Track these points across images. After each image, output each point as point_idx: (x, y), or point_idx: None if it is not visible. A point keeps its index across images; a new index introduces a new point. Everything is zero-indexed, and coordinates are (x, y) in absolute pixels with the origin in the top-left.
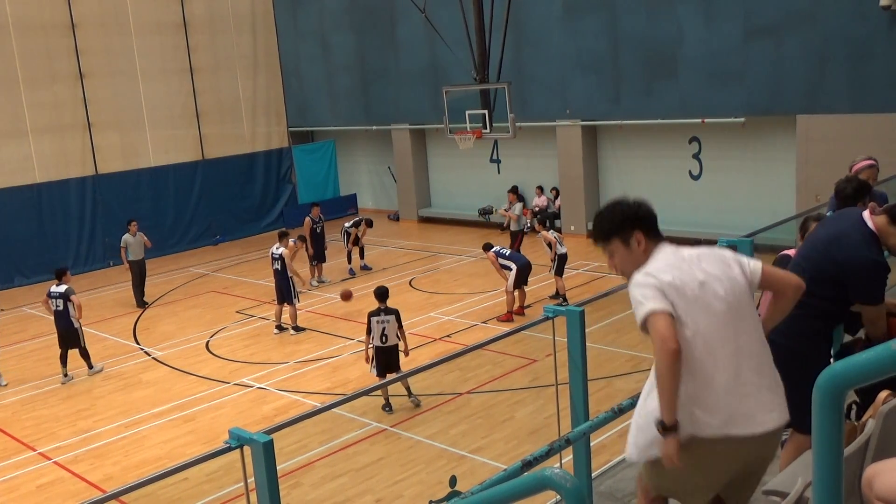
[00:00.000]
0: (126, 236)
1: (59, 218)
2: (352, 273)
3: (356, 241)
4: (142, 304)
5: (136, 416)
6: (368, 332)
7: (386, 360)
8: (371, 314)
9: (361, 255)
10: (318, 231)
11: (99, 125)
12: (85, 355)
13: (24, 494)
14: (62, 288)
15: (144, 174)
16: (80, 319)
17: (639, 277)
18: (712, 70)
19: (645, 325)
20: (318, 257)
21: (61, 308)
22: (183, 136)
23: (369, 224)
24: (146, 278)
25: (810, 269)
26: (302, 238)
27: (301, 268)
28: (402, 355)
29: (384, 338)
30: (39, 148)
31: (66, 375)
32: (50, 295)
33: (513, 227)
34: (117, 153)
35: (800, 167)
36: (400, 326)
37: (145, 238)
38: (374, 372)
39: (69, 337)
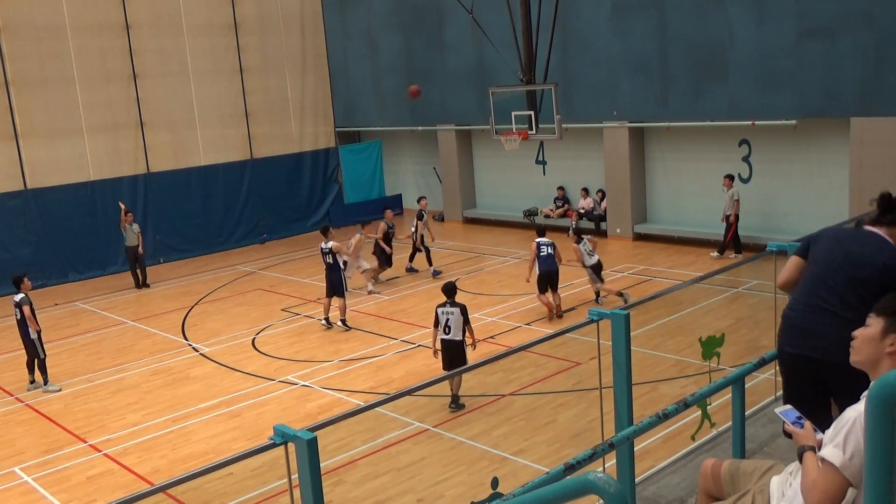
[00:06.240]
0: (125, 225)
1: (112, 215)
2: (408, 271)
3: (421, 240)
4: (138, 285)
5: (184, 410)
6: (436, 324)
7: (449, 353)
8: (438, 306)
9: (410, 258)
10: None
11: (151, 124)
12: (39, 368)
13: (75, 485)
14: (19, 296)
15: (194, 173)
16: (38, 331)
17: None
18: (763, 71)
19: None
20: (387, 261)
21: (19, 317)
22: (232, 136)
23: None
24: (145, 266)
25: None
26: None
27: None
28: (469, 350)
29: (447, 329)
30: (93, 146)
31: (32, 382)
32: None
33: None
34: (168, 152)
35: (853, 171)
36: (467, 322)
37: (138, 229)
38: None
39: (28, 347)
